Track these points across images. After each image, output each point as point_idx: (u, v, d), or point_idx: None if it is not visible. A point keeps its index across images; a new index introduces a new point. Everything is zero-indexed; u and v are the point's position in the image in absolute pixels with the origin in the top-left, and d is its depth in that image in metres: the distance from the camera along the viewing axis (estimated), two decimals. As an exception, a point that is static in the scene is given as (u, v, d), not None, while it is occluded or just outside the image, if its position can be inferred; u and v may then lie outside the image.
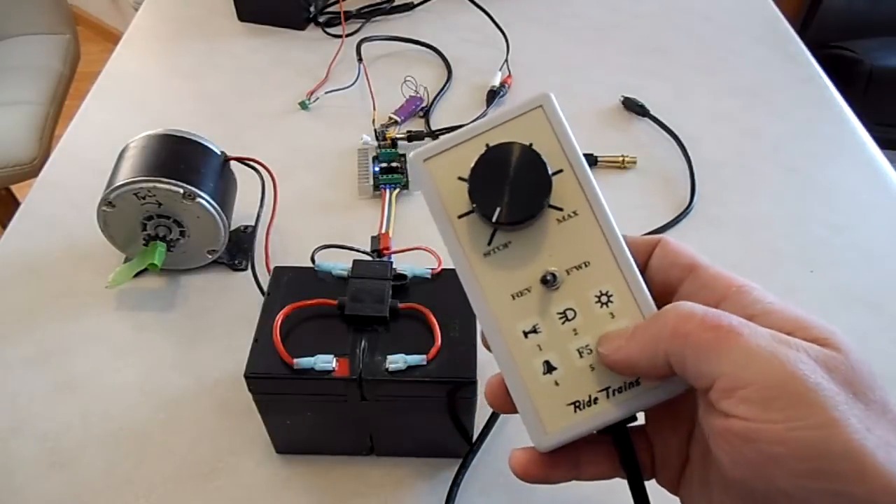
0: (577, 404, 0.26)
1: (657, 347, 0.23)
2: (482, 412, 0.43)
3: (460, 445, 0.42)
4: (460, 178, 0.26)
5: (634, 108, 0.68)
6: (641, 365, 0.24)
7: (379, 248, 0.53)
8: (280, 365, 0.37)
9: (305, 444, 0.43)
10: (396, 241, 0.55)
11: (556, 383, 0.26)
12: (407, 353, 0.37)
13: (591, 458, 0.27)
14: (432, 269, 0.42)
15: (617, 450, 0.26)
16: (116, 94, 0.71)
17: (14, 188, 1.25)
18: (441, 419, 0.40)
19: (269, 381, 0.37)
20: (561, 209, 0.26)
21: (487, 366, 0.39)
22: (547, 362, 0.26)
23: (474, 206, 0.25)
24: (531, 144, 0.25)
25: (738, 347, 0.21)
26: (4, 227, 0.66)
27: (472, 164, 0.25)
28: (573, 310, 0.26)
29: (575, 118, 0.70)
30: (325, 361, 0.37)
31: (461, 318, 0.39)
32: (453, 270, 0.41)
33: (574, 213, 0.26)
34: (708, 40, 0.79)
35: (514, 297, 0.26)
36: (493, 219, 0.25)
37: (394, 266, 0.41)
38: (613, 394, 0.25)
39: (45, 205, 0.58)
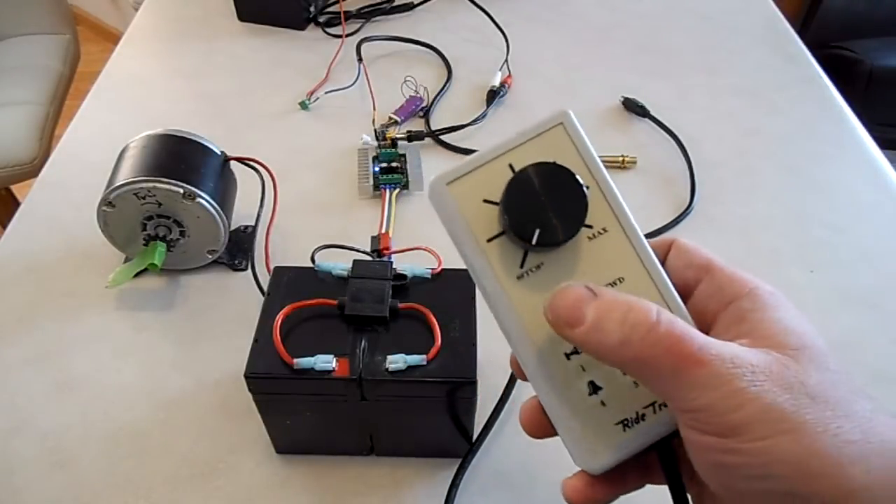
0: (626, 422, 0.25)
1: (618, 361, 0.23)
2: (482, 412, 0.43)
3: (460, 445, 0.42)
4: (486, 201, 0.25)
5: (634, 108, 0.68)
6: (599, 357, 0.24)
7: (379, 248, 0.53)
8: (280, 365, 0.37)
9: (305, 444, 0.43)
10: (396, 241, 0.55)
11: (603, 403, 0.25)
12: (407, 353, 0.37)
13: (635, 470, 0.27)
14: (432, 269, 0.42)
15: (661, 464, 0.26)
16: (116, 94, 0.71)
17: (14, 188, 1.25)
18: (441, 419, 0.40)
19: (269, 381, 0.37)
20: (591, 227, 0.26)
21: (487, 366, 0.39)
22: (592, 382, 0.25)
23: (508, 228, 0.25)
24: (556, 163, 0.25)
25: (697, 374, 0.21)
26: (4, 227, 0.66)
27: (505, 186, 0.25)
28: None
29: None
30: (325, 361, 0.37)
31: (461, 318, 0.39)
32: (453, 270, 0.42)
33: (604, 229, 0.26)
34: (708, 40, 0.79)
35: None
36: (533, 241, 0.24)
37: (394, 266, 0.41)
38: (659, 408, 0.25)
39: (45, 205, 0.58)
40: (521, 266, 0.26)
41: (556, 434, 0.26)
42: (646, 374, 0.23)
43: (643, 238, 0.26)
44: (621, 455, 0.25)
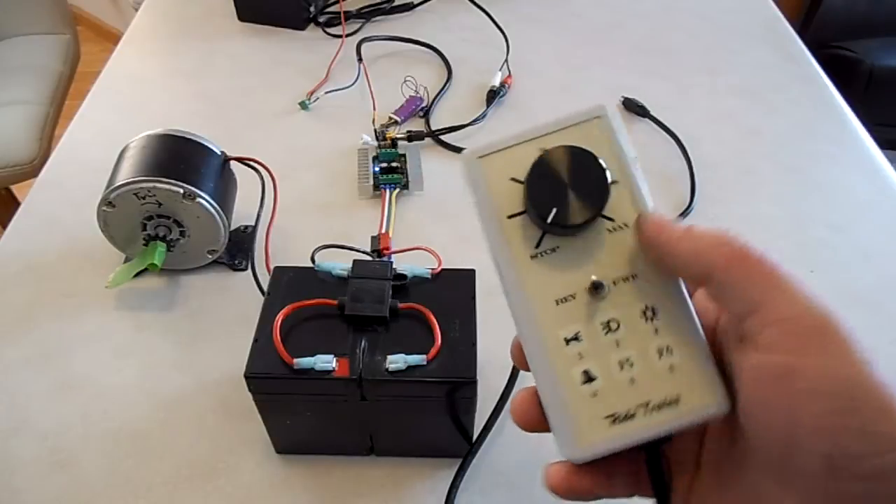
0: (615, 417, 0.25)
1: (707, 254, 0.23)
2: (482, 412, 0.43)
3: (460, 445, 0.42)
4: (513, 179, 0.26)
5: (634, 108, 0.68)
6: (679, 259, 0.24)
7: (379, 248, 0.53)
8: (280, 365, 0.37)
9: (305, 444, 0.43)
10: (396, 241, 0.55)
11: (595, 394, 0.25)
12: (407, 353, 0.37)
13: (624, 474, 0.26)
14: (432, 269, 0.42)
15: (648, 468, 0.26)
16: (116, 94, 0.71)
17: (14, 188, 1.25)
18: (441, 419, 0.40)
19: (269, 381, 0.37)
20: (612, 220, 0.26)
21: (487, 366, 0.39)
22: (586, 372, 0.25)
23: (529, 205, 0.25)
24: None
25: (787, 286, 0.22)
26: (4, 227, 0.66)
27: (532, 164, 0.25)
28: (617, 321, 0.25)
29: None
30: (325, 361, 0.37)
31: (461, 318, 0.39)
32: (453, 270, 0.42)
33: (625, 224, 0.26)
34: (708, 40, 0.79)
35: (557, 303, 0.26)
36: (548, 220, 0.24)
37: (394, 266, 0.41)
38: (652, 410, 0.25)
39: (45, 205, 0.58)
40: (537, 246, 0.26)
41: (546, 429, 0.26)
42: (735, 276, 0.23)
43: None
44: (603, 448, 0.25)
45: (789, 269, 0.23)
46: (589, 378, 0.25)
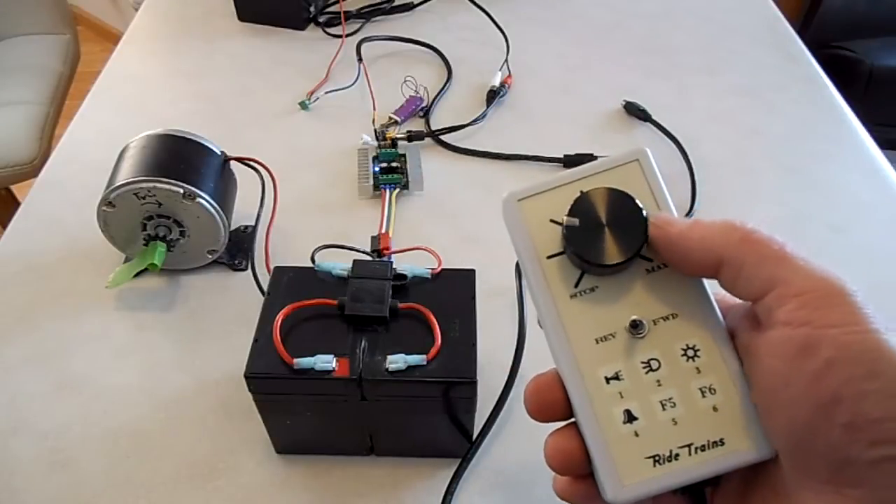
0: (657, 458, 0.25)
1: (718, 241, 0.24)
2: (482, 412, 0.43)
3: (460, 445, 0.42)
4: (552, 221, 0.26)
5: (636, 112, 0.68)
6: (691, 249, 0.24)
7: (379, 248, 0.53)
8: (280, 365, 0.37)
9: (305, 444, 0.43)
10: (396, 241, 0.55)
11: (636, 434, 0.25)
12: (407, 353, 0.37)
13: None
14: (432, 269, 0.42)
15: None
16: (116, 94, 0.71)
17: (14, 188, 1.25)
18: (441, 419, 0.40)
19: (269, 381, 0.37)
20: (651, 260, 0.26)
21: (487, 366, 0.39)
22: (628, 411, 0.25)
23: (568, 245, 0.26)
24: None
25: (797, 262, 0.23)
26: (4, 227, 0.66)
27: (572, 204, 0.26)
28: (658, 360, 0.25)
29: (574, 118, 0.70)
30: (325, 361, 0.37)
31: (461, 318, 0.39)
32: (453, 270, 0.42)
33: (663, 265, 0.26)
34: (708, 40, 0.79)
35: (597, 342, 0.26)
36: (587, 260, 0.25)
37: (394, 266, 0.41)
38: (696, 451, 0.25)
39: (45, 205, 0.58)
40: (576, 286, 0.26)
41: (559, 419, 0.26)
42: (748, 258, 0.23)
43: (704, 280, 0.26)
44: (645, 491, 0.25)
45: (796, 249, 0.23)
46: (630, 417, 0.25)
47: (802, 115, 0.69)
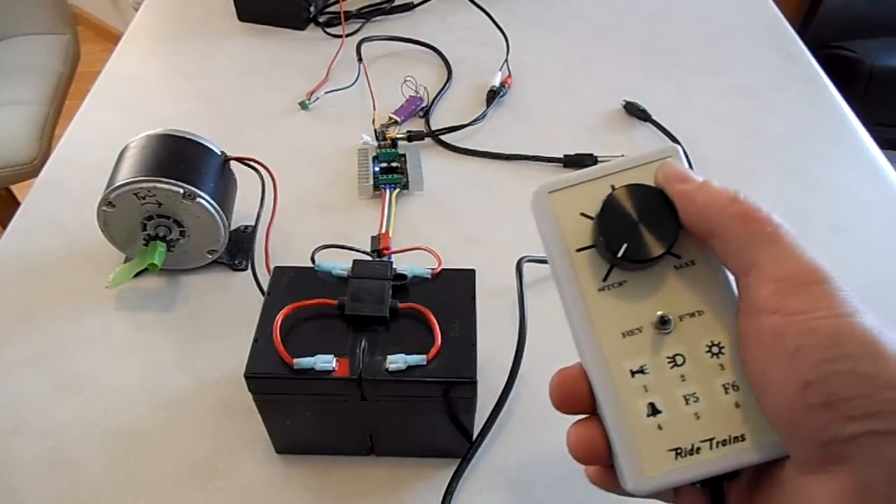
0: (679, 451, 0.25)
1: (717, 209, 0.24)
2: (482, 412, 0.43)
3: (460, 445, 0.42)
4: (583, 214, 0.26)
5: (636, 112, 0.68)
6: (692, 210, 0.25)
7: (379, 248, 0.53)
8: (280, 365, 0.37)
9: (305, 444, 0.43)
10: (396, 241, 0.55)
11: (660, 427, 0.25)
12: (407, 353, 0.37)
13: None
14: (432, 269, 0.42)
15: (711, 502, 0.26)
16: (116, 94, 0.71)
17: (14, 188, 1.25)
18: (441, 419, 0.40)
19: (269, 381, 0.37)
20: (679, 257, 0.26)
21: (487, 366, 0.39)
22: (652, 405, 0.26)
23: (599, 239, 0.26)
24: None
25: (784, 244, 0.23)
26: (4, 227, 0.66)
27: (604, 200, 0.26)
28: (682, 356, 0.26)
29: (574, 118, 0.70)
30: (325, 361, 0.37)
31: (461, 318, 0.39)
32: (453, 270, 0.42)
33: (692, 262, 0.26)
34: (708, 40, 0.79)
35: (624, 336, 0.26)
36: (619, 254, 0.25)
37: (394, 266, 0.41)
38: (717, 445, 0.25)
39: (45, 205, 0.58)
40: (605, 280, 0.26)
41: (583, 412, 0.27)
42: (737, 234, 0.24)
43: (730, 278, 0.26)
44: (667, 482, 0.25)
45: (790, 228, 0.24)
46: (654, 411, 0.26)
47: (802, 115, 0.69)
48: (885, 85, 1.52)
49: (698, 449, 0.25)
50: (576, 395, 0.27)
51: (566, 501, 0.41)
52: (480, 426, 0.43)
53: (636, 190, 0.26)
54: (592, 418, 0.27)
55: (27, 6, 1.36)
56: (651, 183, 0.26)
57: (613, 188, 0.26)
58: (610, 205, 0.26)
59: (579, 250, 0.27)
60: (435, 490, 0.41)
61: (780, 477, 0.24)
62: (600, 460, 0.26)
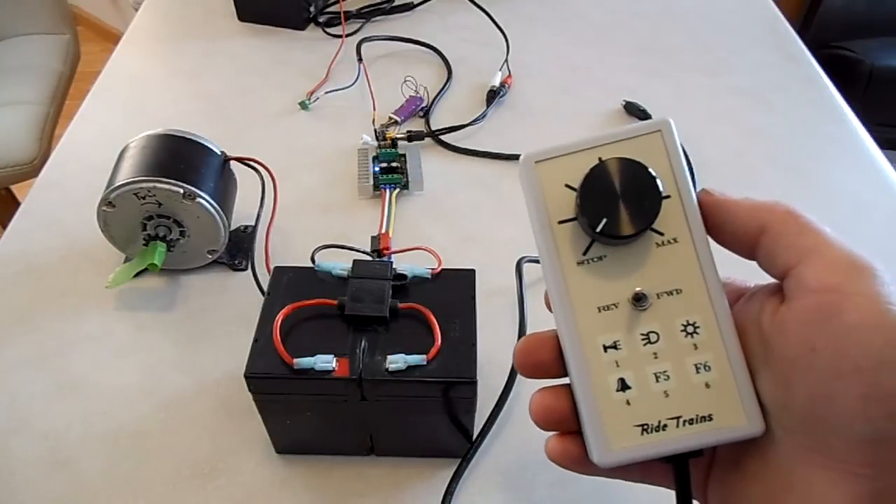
0: (646, 427, 0.25)
1: (764, 210, 0.25)
2: (482, 412, 0.43)
3: (460, 445, 0.42)
4: (567, 186, 0.26)
5: (636, 112, 0.68)
6: (739, 214, 0.25)
7: (379, 248, 0.53)
8: (280, 365, 0.37)
9: (305, 444, 0.43)
10: (396, 241, 0.55)
11: (628, 402, 0.25)
12: (407, 353, 0.37)
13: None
14: (432, 269, 0.42)
15: (676, 480, 0.26)
16: (116, 94, 0.71)
17: (14, 188, 1.25)
18: (441, 419, 0.40)
19: (269, 381, 0.37)
20: (662, 234, 0.26)
21: (487, 366, 0.39)
22: (622, 380, 0.26)
23: (580, 213, 0.25)
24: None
25: (832, 238, 0.24)
26: (4, 227, 0.66)
27: (587, 172, 0.25)
28: (657, 333, 0.26)
29: (574, 118, 0.70)
30: (325, 361, 0.37)
31: (461, 318, 0.39)
32: (453, 270, 0.42)
33: (674, 239, 0.26)
34: (708, 40, 0.79)
35: (600, 310, 0.26)
36: (598, 229, 0.25)
37: (394, 266, 0.41)
38: (684, 424, 0.25)
39: (45, 205, 0.58)
40: (584, 254, 0.26)
41: (548, 377, 0.27)
42: (790, 227, 0.24)
43: (712, 259, 0.26)
44: (630, 457, 0.25)
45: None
46: (624, 386, 0.26)
47: (802, 115, 0.69)
48: (885, 85, 1.52)
49: (665, 426, 0.25)
50: (543, 362, 0.27)
51: (566, 501, 0.41)
52: (480, 426, 0.43)
53: (622, 164, 0.25)
54: (558, 388, 0.27)
55: (27, 6, 1.37)
56: (640, 158, 0.25)
57: (601, 160, 0.26)
58: (593, 177, 0.25)
59: (561, 222, 0.26)
60: (435, 490, 0.41)
61: (769, 466, 0.24)
62: (562, 426, 0.27)
